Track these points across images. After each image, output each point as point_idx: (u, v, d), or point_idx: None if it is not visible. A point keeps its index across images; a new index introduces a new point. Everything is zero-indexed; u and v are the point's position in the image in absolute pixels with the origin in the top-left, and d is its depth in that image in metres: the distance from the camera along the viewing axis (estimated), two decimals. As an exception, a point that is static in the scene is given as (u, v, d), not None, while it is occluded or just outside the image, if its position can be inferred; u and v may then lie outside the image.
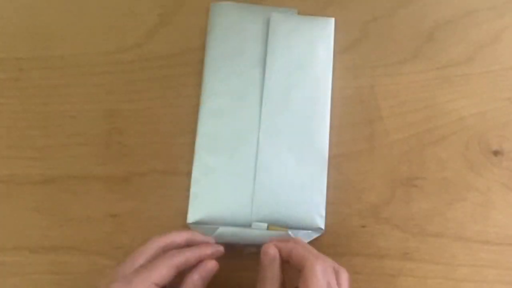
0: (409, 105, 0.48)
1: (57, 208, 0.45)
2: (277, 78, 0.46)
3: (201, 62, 0.48)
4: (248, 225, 0.43)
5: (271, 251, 0.39)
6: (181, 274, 0.37)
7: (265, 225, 0.43)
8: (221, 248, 0.40)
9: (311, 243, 0.43)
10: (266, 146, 0.45)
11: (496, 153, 0.47)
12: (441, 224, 0.46)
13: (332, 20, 0.48)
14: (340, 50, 0.49)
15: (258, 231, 0.43)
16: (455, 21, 0.50)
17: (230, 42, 0.47)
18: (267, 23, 0.47)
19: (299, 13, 0.49)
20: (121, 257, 0.41)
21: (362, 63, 0.49)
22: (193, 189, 0.45)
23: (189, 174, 0.45)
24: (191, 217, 0.44)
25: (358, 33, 0.49)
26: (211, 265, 0.39)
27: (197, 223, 0.44)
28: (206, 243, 0.40)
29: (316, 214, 0.44)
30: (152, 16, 0.49)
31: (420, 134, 0.47)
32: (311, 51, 0.47)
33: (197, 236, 0.41)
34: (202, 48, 0.48)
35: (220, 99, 0.46)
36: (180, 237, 0.39)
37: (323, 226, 0.44)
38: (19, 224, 0.45)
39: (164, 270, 0.35)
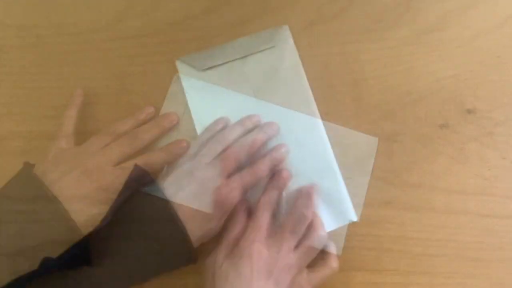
0: (390, 68, 0.50)
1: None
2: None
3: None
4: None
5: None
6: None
7: None
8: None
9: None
10: None
11: (469, 111, 0.49)
12: (420, 176, 0.48)
13: (286, 26, 0.51)
14: (328, 18, 0.52)
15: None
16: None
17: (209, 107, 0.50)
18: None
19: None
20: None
21: (348, 29, 0.51)
22: None
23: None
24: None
25: (345, 1, 0.52)
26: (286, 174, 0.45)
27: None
28: None
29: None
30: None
31: (400, 94, 0.50)
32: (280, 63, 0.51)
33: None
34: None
35: None
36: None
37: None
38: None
39: None
